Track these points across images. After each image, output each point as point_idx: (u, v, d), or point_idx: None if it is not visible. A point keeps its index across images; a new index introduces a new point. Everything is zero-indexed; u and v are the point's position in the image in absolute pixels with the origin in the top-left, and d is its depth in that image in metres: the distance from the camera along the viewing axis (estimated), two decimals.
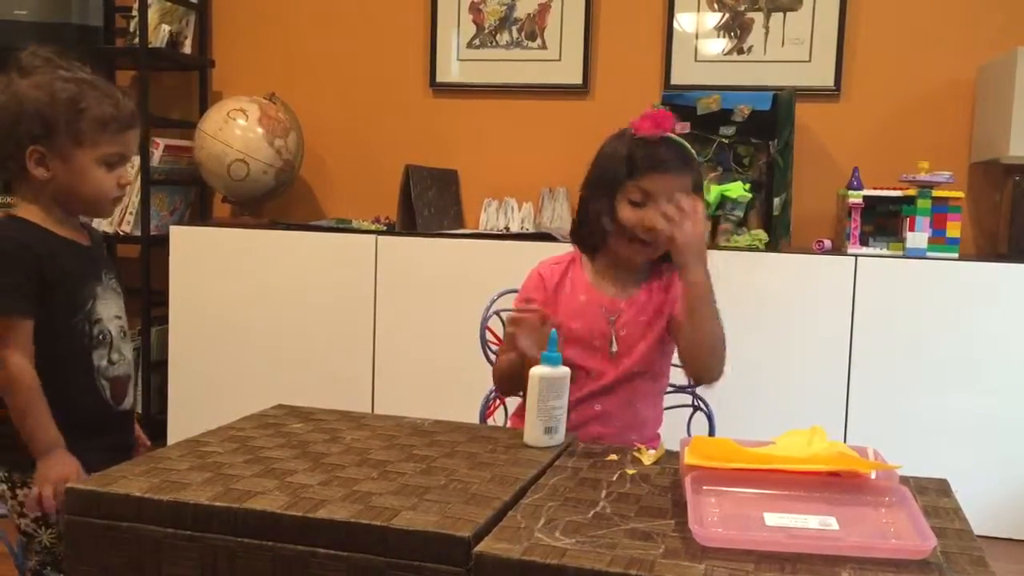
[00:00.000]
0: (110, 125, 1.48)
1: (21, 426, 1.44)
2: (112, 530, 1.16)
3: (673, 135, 1.70)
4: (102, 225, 3.56)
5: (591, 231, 1.74)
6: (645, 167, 1.66)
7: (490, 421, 2.04)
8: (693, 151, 1.74)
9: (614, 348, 1.71)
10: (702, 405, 2.01)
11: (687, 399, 2.01)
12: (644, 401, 1.76)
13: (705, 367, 1.66)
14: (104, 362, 1.54)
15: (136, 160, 3.51)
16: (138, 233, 3.51)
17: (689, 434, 1.90)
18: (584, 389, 1.71)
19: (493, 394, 2.01)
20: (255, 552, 1.11)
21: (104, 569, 1.17)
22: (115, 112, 1.48)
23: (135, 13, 3.55)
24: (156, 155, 3.51)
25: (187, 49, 3.72)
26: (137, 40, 3.51)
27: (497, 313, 2.01)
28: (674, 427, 1.87)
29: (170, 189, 3.65)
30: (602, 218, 1.69)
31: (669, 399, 1.96)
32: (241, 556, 1.12)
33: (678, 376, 1.96)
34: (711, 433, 1.95)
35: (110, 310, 1.56)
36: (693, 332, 1.62)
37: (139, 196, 3.50)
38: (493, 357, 2.02)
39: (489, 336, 2.05)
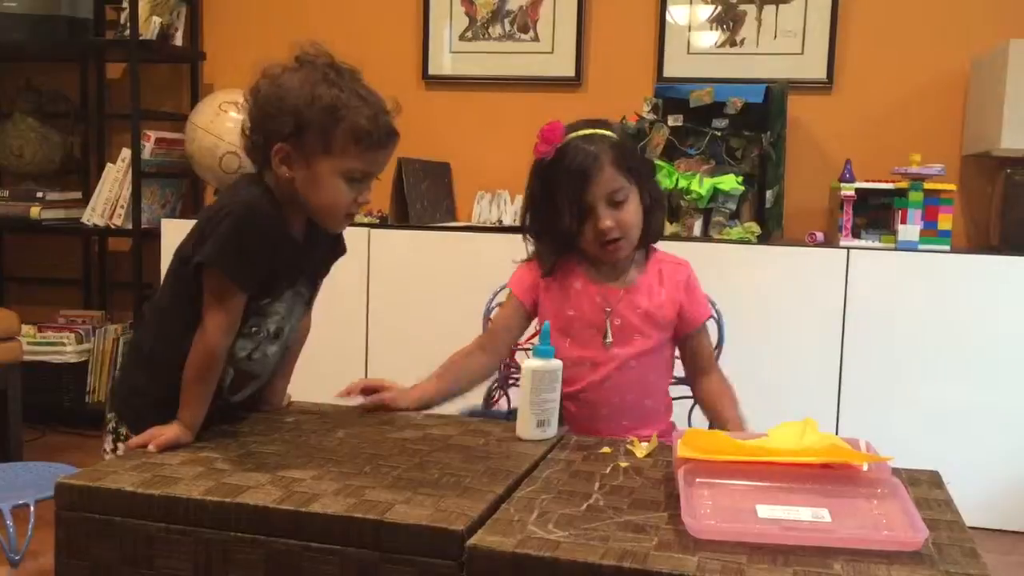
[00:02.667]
0: (363, 140, 1.40)
1: (184, 388, 1.40)
2: (104, 524, 1.16)
3: (571, 136, 1.66)
4: (93, 216, 3.56)
5: (552, 258, 1.73)
6: (569, 182, 1.64)
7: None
8: (603, 131, 1.68)
9: (609, 339, 1.70)
10: None
11: (687, 391, 2.01)
12: (649, 392, 1.74)
13: None
14: (244, 353, 1.48)
15: (126, 154, 3.51)
16: (129, 226, 3.50)
17: (691, 427, 1.90)
18: (584, 380, 1.69)
19: (495, 386, 2.00)
20: (248, 546, 1.11)
21: (96, 563, 1.16)
22: (371, 127, 1.40)
23: (125, 5, 3.52)
24: (147, 148, 3.49)
25: (178, 41, 3.70)
26: (128, 32, 3.49)
27: (500, 306, 2.01)
28: (675, 420, 1.87)
29: (161, 182, 3.63)
30: (565, 243, 1.70)
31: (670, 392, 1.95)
32: (234, 550, 1.12)
33: (677, 368, 1.96)
34: (711, 426, 1.95)
35: (280, 311, 1.50)
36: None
37: (130, 189, 3.49)
38: None
39: None
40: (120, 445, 1.50)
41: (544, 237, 1.74)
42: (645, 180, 1.72)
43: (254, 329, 1.47)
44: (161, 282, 1.54)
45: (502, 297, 2.02)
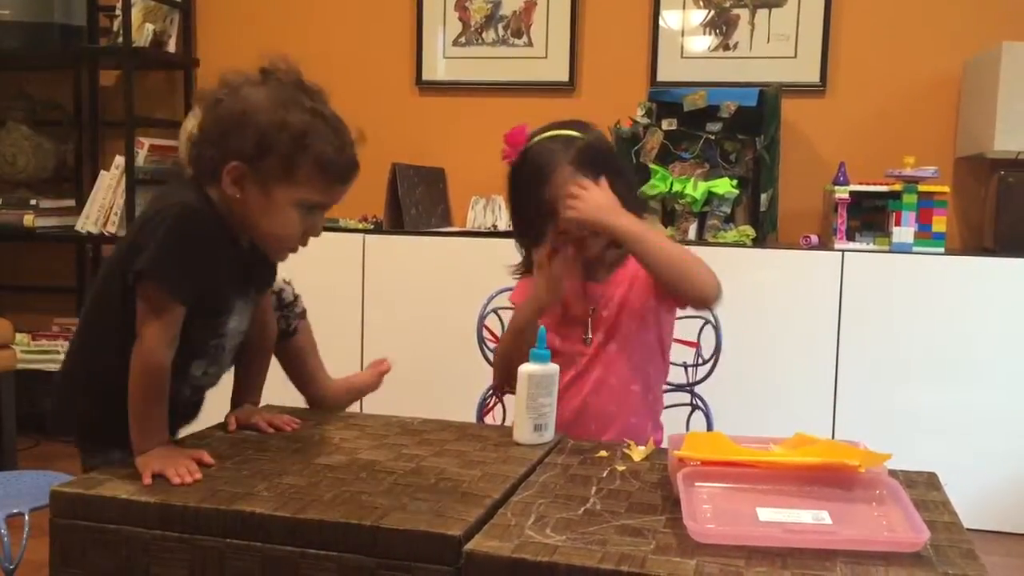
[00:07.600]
0: (328, 171, 1.32)
1: (131, 411, 1.29)
2: (99, 533, 1.15)
3: (535, 139, 1.67)
4: (87, 224, 3.55)
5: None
6: (530, 183, 1.64)
7: (488, 420, 2.03)
8: (568, 132, 1.66)
9: (588, 334, 1.71)
10: (700, 404, 2.00)
11: (685, 398, 2.01)
12: (635, 386, 1.73)
13: (684, 290, 1.65)
14: (200, 372, 1.42)
15: (120, 161, 3.50)
16: (123, 234, 3.48)
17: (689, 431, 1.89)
18: (566, 377, 1.67)
19: (490, 393, 2.00)
20: (244, 553, 1.10)
21: (92, 572, 1.16)
22: (336, 158, 1.33)
23: (118, 12, 3.52)
24: (141, 155, 3.49)
25: (171, 48, 3.69)
26: (121, 39, 3.48)
27: (495, 311, 2.00)
28: (672, 427, 1.86)
29: (155, 189, 3.62)
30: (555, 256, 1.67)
31: (666, 398, 1.95)
32: (230, 557, 1.11)
33: (676, 374, 1.96)
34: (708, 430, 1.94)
35: (234, 323, 1.42)
36: (652, 269, 1.63)
37: (124, 197, 3.48)
38: (492, 356, 2.01)
39: (486, 334, 2.04)
40: None
41: (523, 240, 1.76)
42: (617, 181, 1.67)
43: (214, 348, 1.42)
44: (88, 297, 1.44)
45: (498, 302, 2.01)
